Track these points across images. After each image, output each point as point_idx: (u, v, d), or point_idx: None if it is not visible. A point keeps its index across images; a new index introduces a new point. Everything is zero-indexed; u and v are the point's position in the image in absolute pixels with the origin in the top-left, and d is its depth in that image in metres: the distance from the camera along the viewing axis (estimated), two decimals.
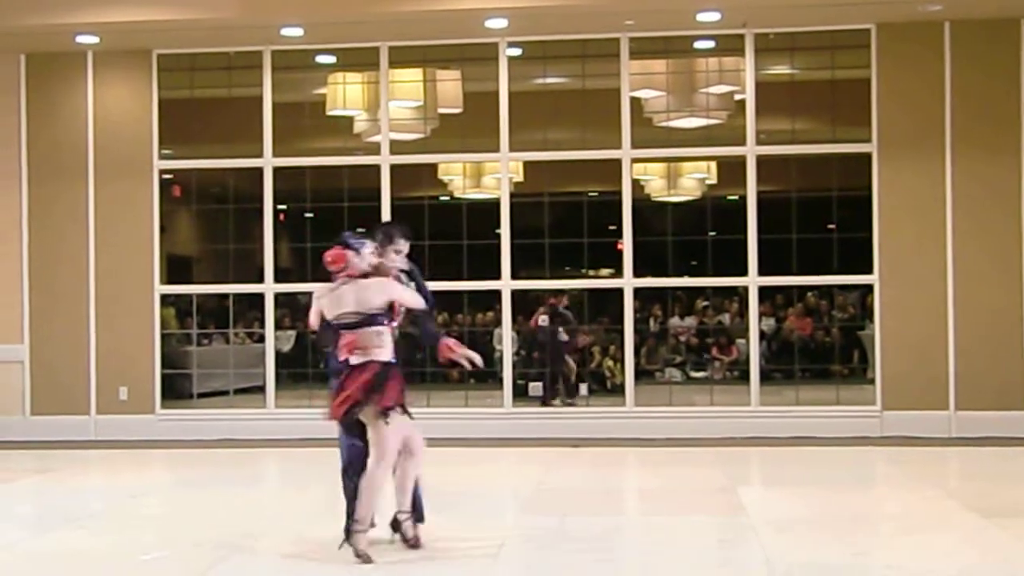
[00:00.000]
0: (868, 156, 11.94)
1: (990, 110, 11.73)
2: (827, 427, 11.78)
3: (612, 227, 12.45)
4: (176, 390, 13.05)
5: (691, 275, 13.75)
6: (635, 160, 12.50)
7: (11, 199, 12.62)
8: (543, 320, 13.64)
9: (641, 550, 7.16)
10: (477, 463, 10.57)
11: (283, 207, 13.17)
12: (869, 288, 12.30)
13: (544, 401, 13.02)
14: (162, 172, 12.73)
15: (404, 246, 6.93)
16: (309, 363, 13.64)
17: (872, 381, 12.18)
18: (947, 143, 11.75)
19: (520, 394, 12.75)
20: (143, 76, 12.58)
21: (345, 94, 13.08)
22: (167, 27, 11.77)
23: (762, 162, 12.13)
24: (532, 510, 8.27)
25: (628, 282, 12.33)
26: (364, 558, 6.49)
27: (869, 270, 11.99)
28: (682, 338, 15.75)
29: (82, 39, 12.13)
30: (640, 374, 12.87)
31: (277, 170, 12.56)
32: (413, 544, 6.76)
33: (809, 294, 15.33)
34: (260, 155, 12.54)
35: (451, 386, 13.81)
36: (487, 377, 13.48)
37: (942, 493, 8.89)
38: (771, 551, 6.74)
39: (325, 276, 6.70)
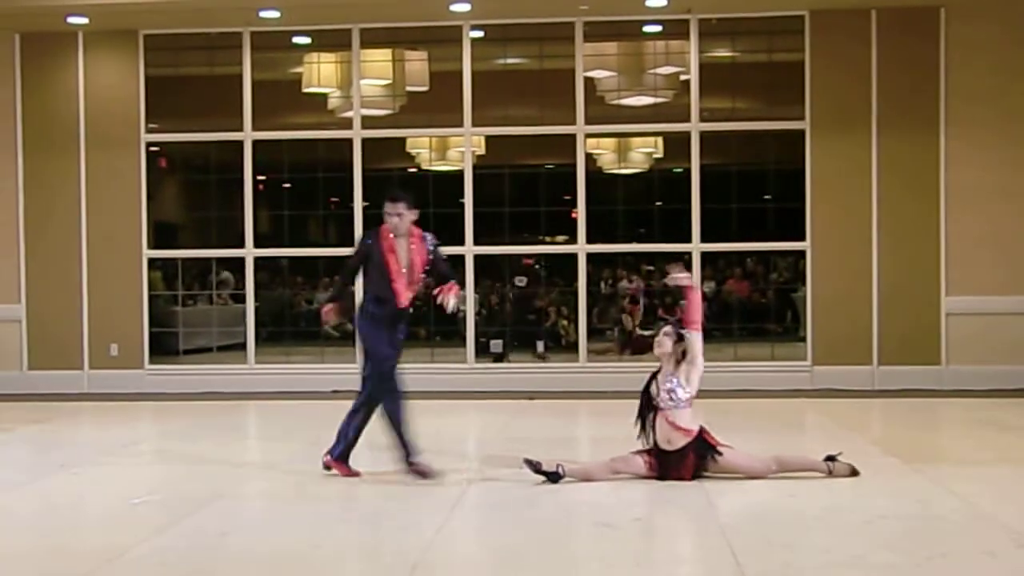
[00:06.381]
0: (801, 133, 11.96)
1: (913, 91, 11.77)
2: (763, 381, 11.86)
3: (567, 197, 12.43)
4: (163, 347, 12.92)
5: (639, 242, 13.73)
6: (588, 135, 12.45)
7: (7, 169, 12.43)
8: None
9: (591, 492, 7.14)
10: (443, 414, 10.53)
11: (262, 177, 13.04)
12: (801, 254, 12.33)
13: (501, 357, 12.97)
14: (149, 144, 12.57)
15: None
16: (287, 322, 13.55)
17: (804, 339, 12.25)
18: (873, 121, 11.80)
19: (481, 351, 12.71)
20: (130, 55, 12.39)
21: (320, 72, 12.94)
22: (152, 9, 11.61)
23: (705, 137, 12.12)
24: (494, 456, 8.24)
25: (581, 248, 12.31)
26: None
27: (802, 237, 12.03)
28: None
29: (73, 20, 11.92)
30: (592, 332, 12.86)
31: (256, 143, 12.43)
32: None
33: (748, 259, 15.33)
34: (240, 129, 12.40)
35: (418, 343, 13.73)
36: (452, 335, 13.41)
37: (867, 440, 8.93)
38: (711, 494, 6.75)
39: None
